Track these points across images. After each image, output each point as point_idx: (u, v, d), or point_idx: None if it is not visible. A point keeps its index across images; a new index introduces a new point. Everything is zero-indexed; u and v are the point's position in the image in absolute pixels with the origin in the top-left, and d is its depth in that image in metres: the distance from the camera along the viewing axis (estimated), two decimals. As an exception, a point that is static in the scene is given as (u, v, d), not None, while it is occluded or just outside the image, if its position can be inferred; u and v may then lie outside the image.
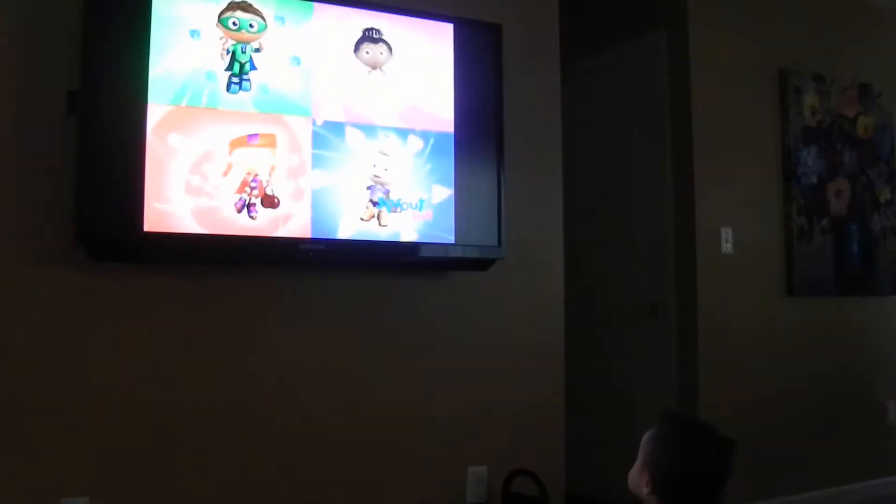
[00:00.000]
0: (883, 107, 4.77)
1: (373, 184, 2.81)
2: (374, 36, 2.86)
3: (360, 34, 2.84)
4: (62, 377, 2.47)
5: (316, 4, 2.77)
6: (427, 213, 2.89)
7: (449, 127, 2.95)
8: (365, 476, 2.90)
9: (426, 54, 2.95)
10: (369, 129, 2.82)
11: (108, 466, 2.52)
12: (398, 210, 2.84)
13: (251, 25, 2.65)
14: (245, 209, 2.59)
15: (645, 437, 1.74)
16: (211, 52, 2.59)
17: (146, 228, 2.45)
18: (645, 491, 1.70)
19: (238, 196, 2.59)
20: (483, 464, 3.12)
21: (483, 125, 3.03)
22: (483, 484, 3.12)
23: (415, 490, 2.97)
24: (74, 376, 2.49)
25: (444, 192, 2.93)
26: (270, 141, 2.65)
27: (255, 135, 2.63)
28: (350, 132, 2.79)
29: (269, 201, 2.63)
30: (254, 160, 2.62)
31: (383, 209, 2.82)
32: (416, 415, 3.01)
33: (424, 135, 2.91)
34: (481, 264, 3.06)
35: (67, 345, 2.48)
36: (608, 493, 4.10)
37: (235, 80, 2.61)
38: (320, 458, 2.82)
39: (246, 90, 2.63)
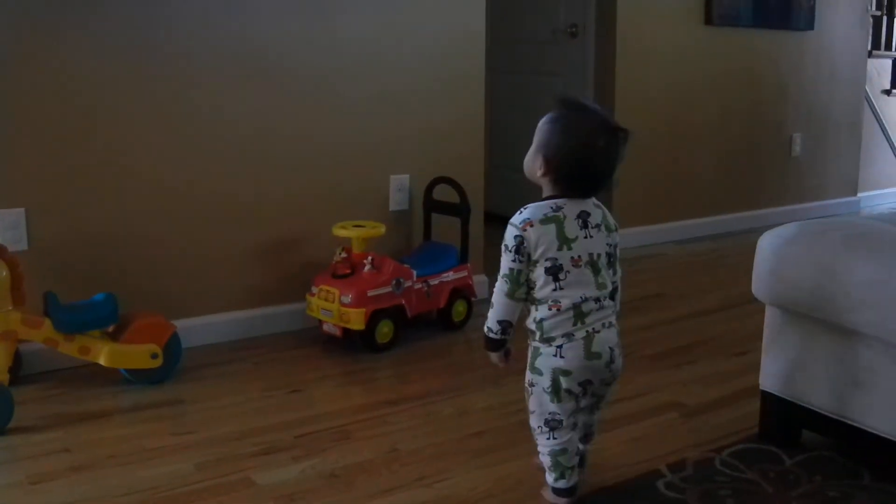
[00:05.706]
0: None
1: None
2: None
3: None
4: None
5: None
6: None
7: None
8: (288, 191, 2.97)
9: None
10: None
11: (42, 178, 2.54)
12: None
13: None
14: None
15: (540, 121, 1.78)
16: None
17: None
18: (539, 173, 1.76)
19: None
20: (405, 174, 3.23)
21: None
22: (405, 192, 3.23)
23: (338, 202, 3.05)
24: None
25: None
26: None
27: None
28: None
29: None
30: None
31: None
32: (340, 128, 3.03)
33: None
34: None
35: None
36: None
37: None
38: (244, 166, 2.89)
39: None
